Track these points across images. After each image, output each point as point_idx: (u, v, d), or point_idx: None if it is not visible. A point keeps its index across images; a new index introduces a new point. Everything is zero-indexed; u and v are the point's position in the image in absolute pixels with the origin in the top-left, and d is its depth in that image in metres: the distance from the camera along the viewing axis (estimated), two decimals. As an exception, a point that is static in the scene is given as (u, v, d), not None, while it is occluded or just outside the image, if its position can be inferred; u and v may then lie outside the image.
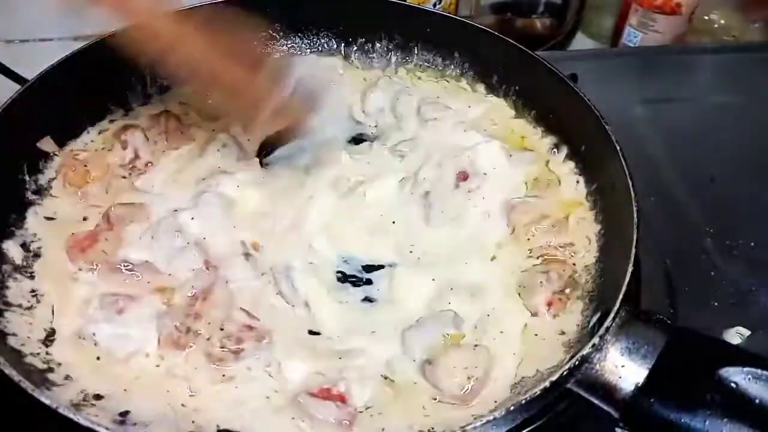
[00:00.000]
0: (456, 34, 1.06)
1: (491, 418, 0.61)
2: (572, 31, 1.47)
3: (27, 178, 0.89)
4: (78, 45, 0.94)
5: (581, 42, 1.49)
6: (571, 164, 0.94)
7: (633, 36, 1.35)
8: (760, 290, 0.93)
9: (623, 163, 0.81)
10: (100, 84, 0.97)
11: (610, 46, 1.44)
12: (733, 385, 0.61)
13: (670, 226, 0.99)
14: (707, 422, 0.60)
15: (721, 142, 1.13)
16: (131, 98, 1.01)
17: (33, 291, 0.80)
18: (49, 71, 0.90)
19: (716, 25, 1.45)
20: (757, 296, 0.92)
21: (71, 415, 0.61)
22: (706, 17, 1.44)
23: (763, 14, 1.44)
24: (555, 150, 0.96)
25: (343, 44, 1.11)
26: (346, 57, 1.11)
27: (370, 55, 1.11)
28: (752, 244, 0.98)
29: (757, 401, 0.60)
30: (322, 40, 1.12)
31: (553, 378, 0.63)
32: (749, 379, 0.61)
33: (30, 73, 0.90)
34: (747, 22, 1.45)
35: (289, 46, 1.11)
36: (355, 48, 1.11)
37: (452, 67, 1.08)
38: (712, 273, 0.95)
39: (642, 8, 1.32)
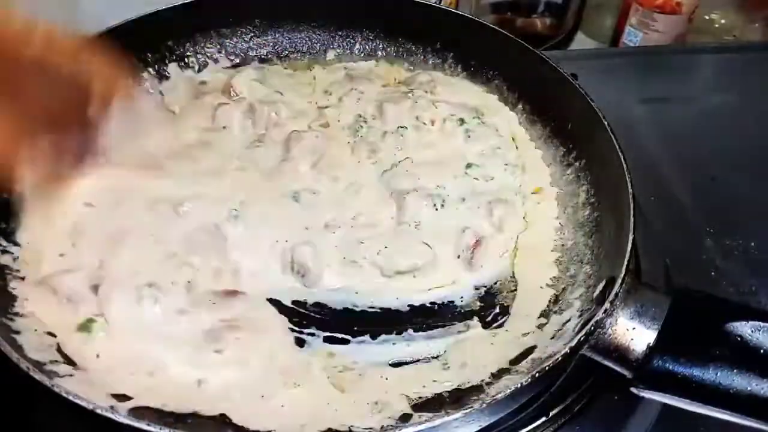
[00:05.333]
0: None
1: (518, 385, 0.62)
2: (572, 31, 1.47)
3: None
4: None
5: (581, 42, 1.49)
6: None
7: (633, 36, 1.35)
8: (760, 290, 0.92)
9: (612, 135, 0.82)
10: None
11: (610, 46, 1.44)
12: (738, 338, 0.64)
13: (670, 226, 0.99)
14: (718, 374, 0.63)
15: (721, 142, 1.13)
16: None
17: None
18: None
19: (716, 25, 1.45)
20: (757, 296, 0.92)
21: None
22: (707, 17, 1.44)
23: (763, 14, 1.44)
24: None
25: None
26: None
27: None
28: (752, 244, 0.98)
29: (762, 351, 0.64)
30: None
31: (572, 344, 0.65)
32: (754, 331, 0.64)
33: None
34: (747, 22, 1.45)
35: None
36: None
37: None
38: (712, 273, 0.94)
39: (642, 8, 1.32)
